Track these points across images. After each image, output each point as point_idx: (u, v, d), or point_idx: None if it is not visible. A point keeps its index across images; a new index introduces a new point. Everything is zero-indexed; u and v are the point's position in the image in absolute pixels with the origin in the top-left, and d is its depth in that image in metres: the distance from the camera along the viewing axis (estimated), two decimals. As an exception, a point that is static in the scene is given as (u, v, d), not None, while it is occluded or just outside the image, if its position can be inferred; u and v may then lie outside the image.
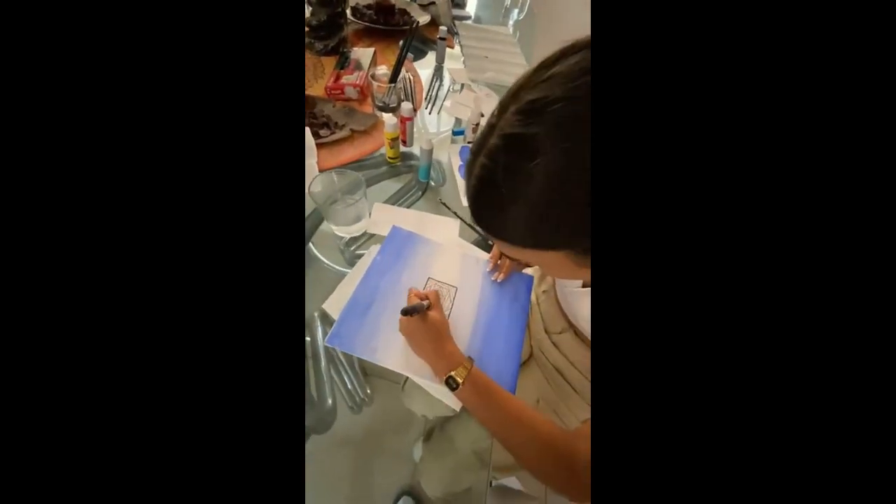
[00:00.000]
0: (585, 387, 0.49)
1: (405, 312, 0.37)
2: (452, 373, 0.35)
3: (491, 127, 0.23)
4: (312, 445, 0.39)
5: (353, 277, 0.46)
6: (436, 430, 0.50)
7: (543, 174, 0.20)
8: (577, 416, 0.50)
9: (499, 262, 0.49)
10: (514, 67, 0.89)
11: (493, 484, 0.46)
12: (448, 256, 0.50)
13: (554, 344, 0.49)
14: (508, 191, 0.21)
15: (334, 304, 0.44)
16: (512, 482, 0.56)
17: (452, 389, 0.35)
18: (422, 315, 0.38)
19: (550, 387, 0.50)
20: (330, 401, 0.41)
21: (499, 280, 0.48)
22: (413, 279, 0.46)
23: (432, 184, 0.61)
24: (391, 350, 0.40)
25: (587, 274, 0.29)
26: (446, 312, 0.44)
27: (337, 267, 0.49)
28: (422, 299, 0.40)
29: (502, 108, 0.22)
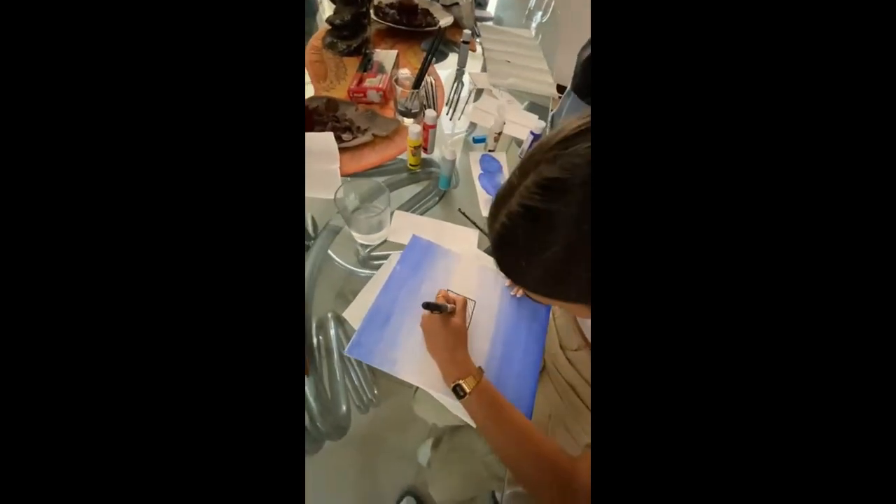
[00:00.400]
0: (598, 405, 0.49)
1: (428, 307, 0.37)
2: (462, 381, 0.35)
3: (512, 187, 0.23)
4: (315, 443, 0.39)
5: (374, 286, 0.47)
6: (444, 437, 0.51)
7: (561, 244, 0.21)
8: (587, 432, 0.50)
9: None
10: (537, 73, 0.88)
11: (496, 495, 0.46)
12: (467, 269, 0.50)
13: (569, 360, 0.49)
14: (527, 253, 0.23)
15: (354, 313, 0.45)
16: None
17: (459, 397, 0.36)
18: (444, 316, 0.39)
19: (562, 402, 0.50)
20: (344, 407, 0.42)
21: (518, 296, 0.48)
22: (431, 291, 0.46)
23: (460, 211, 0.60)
24: (410, 363, 0.40)
25: None
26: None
27: (349, 266, 0.50)
28: (449, 302, 0.41)
29: (523, 172, 0.23)
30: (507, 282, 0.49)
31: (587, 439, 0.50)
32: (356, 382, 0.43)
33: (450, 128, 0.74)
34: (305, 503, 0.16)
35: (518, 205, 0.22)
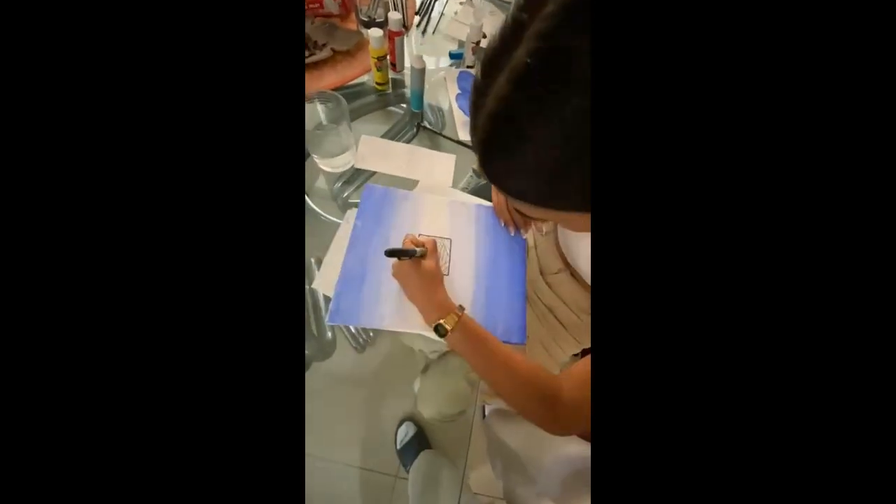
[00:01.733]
0: (575, 324, 0.50)
1: (392, 254, 0.36)
2: (441, 320, 0.35)
3: (519, 27, 0.17)
4: (322, 381, 0.41)
5: (337, 250, 0.43)
6: (433, 362, 0.53)
7: (573, 111, 0.16)
8: (565, 350, 0.53)
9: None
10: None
11: (485, 408, 0.50)
12: (434, 207, 0.46)
13: (548, 284, 0.49)
14: (529, 126, 0.18)
15: (324, 281, 0.42)
16: (502, 404, 0.62)
17: (441, 336, 0.36)
18: (415, 262, 0.37)
19: (541, 325, 0.52)
20: (329, 334, 0.43)
21: (524, 236, 0.46)
22: (402, 239, 0.43)
23: (427, 125, 0.55)
24: (399, 313, 0.39)
25: None
26: (444, 267, 0.43)
27: (330, 217, 0.47)
28: (417, 245, 0.39)
29: (518, 25, 0.17)
30: (501, 223, 0.47)
31: (564, 356, 0.53)
32: (352, 328, 0.43)
33: (432, 63, 0.63)
34: (305, 438, 0.17)
35: (527, 50, 0.17)
